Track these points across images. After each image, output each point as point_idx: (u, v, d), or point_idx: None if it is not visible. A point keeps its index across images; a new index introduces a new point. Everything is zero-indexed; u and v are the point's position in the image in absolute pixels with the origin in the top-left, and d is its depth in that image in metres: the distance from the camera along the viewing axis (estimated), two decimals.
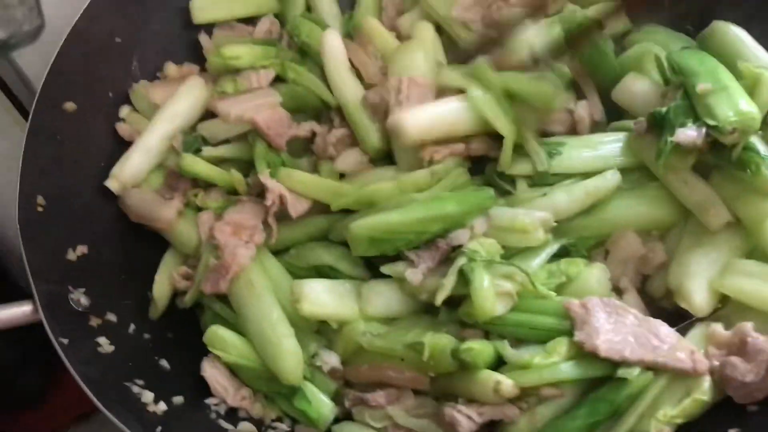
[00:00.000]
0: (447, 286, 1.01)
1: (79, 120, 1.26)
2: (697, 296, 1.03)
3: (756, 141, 1.03)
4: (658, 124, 1.07)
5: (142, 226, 1.26)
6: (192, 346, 1.13)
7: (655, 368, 0.96)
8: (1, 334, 1.07)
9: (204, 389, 1.08)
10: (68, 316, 1.06)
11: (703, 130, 1.03)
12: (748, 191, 1.04)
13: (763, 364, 0.91)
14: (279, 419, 1.09)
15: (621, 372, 0.96)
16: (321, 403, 1.07)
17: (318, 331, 1.12)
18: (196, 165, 1.21)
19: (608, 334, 0.98)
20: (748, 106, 1.00)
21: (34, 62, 1.33)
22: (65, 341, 1.01)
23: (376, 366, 1.05)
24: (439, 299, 1.01)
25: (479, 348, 0.98)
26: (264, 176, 1.15)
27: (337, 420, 1.09)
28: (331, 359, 1.08)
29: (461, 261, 1.02)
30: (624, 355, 0.96)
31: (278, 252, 1.20)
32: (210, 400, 1.08)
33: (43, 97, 1.21)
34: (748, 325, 0.96)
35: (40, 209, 1.14)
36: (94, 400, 0.96)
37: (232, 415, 1.08)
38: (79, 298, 1.10)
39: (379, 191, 1.12)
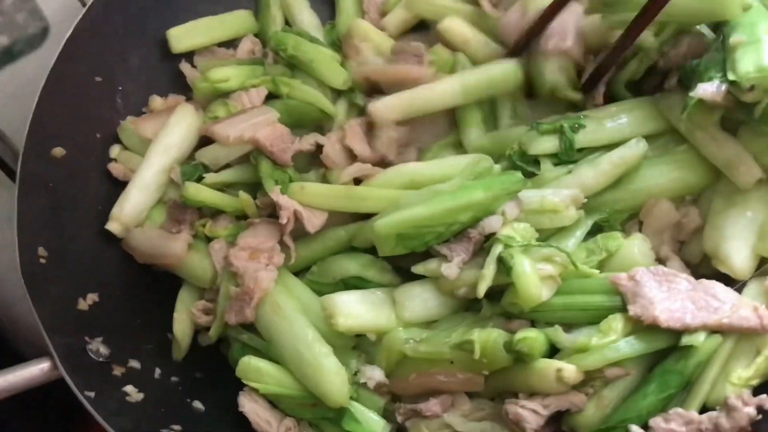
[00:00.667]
0: (487, 276, 0.96)
1: (69, 165, 1.20)
2: (737, 259, 1.00)
3: None
4: (688, 78, 1.04)
5: (151, 267, 1.19)
6: (224, 383, 1.06)
7: (720, 330, 0.91)
8: (15, 403, 0.99)
9: (246, 426, 1.01)
10: (90, 368, 0.99)
11: (723, 85, 0.99)
12: None
13: None
14: None
15: (686, 339, 0.91)
16: (372, 422, 1.00)
17: (356, 347, 1.06)
18: (201, 193, 1.15)
19: (664, 303, 0.93)
20: None
21: (11, 115, 1.27)
22: (91, 394, 0.94)
23: (425, 373, 0.99)
24: (481, 291, 0.96)
25: (534, 336, 0.93)
26: (275, 194, 1.10)
27: None
28: (374, 374, 1.02)
29: (498, 248, 0.97)
30: (685, 321, 0.91)
31: (299, 272, 1.14)
32: None
33: (30, 147, 1.16)
34: None
35: (42, 261, 1.08)
36: None
37: None
38: (98, 347, 1.04)
39: (400, 179, 1.07)
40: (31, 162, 1.14)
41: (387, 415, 1.03)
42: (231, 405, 1.03)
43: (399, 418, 1.00)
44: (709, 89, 1.00)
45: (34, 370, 0.96)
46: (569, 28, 1.16)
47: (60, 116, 1.20)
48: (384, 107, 1.19)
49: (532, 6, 1.16)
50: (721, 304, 0.93)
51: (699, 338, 0.91)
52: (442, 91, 1.19)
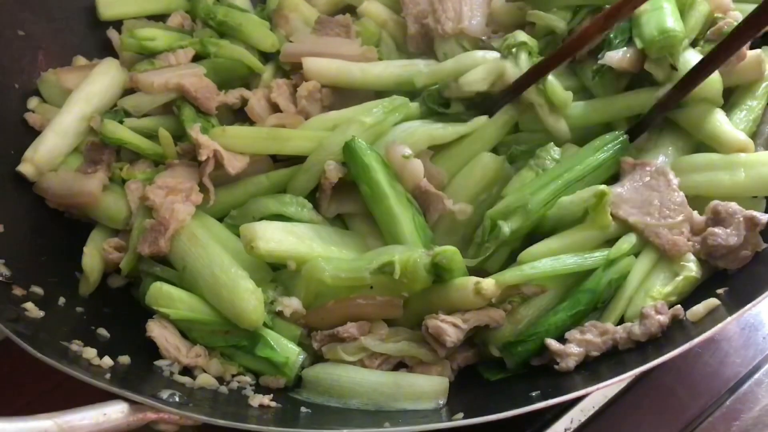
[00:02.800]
0: None
1: None
2: None
3: (690, 55, 1.07)
4: (598, 46, 1.11)
5: (62, 214, 1.15)
6: (133, 318, 1.01)
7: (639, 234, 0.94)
8: None
9: (152, 352, 0.96)
10: None
11: (629, 52, 1.07)
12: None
13: (741, 223, 0.92)
14: (240, 374, 0.97)
15: (594, 256, 0.93)
16: (286, 348, 0.97)
17: (274, 280, 1.03)
18: (119, 131, 1.14)
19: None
20: (673, 25, 1.05)
21: None
22: None
23: (344, 299, 0.97)
24: None
25: (452, 250, 0.93)
26: (195, 131, 1.09)
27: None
28: (292, 302, 0.99)
29: None
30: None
31: (219, 220, 1.11)
32: (161, 362, 0.95)
33: None
34: (716, 201, 0.96)
35: None
36: (30, 350, 0.82)
37: (188, 373, 0.95)
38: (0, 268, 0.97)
39: (323, 124, 1.09)
40: None
41: (303, 347, 0.99)
42: (138, 335, 0.97)
43: (315, 345, 0.97)
44: (615, 56, 1.08)
45: None
46: (475, 11, 1.23)
47: None
48: (318, 67, 1.21)
49: None
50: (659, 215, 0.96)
51: (603, 254, 0.93)
52: (377, 75, 1.22)
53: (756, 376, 1.10)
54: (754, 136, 1.07)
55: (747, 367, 1.10)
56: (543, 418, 1.07)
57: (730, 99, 1.11)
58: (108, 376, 0.85)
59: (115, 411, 0.75)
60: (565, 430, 1.07)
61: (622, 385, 1.08)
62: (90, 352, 0.90)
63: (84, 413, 0.72)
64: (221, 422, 0.81)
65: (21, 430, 0.68)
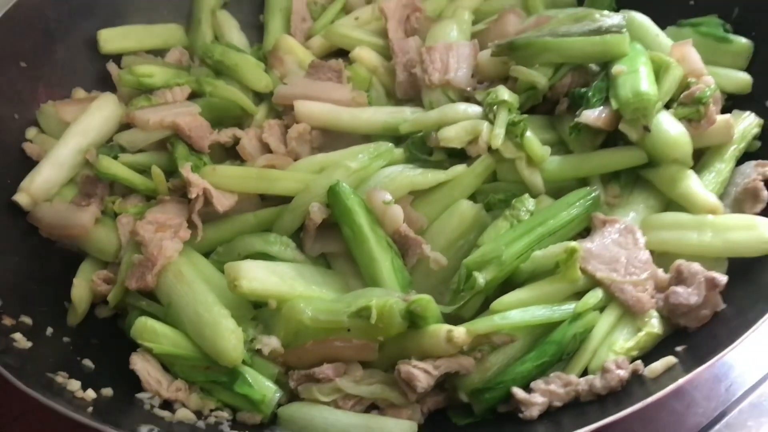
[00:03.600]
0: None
1: None
2: None
3: (663, 117, 1.13)
4: (577, 104, 1.16)
5: (53, 243, 1.19)
6: (118, 350, 1.04)
7: (605, 289, 0.98)
8: None
9: (134, 385, 0.99)
10: None
11: (605, 111, 1.12)
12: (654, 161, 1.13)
13: (702, 284, 0.96)
14: (218, 409, 1.00)
15: (561, 309, 0.98)
16: (263, 386, 1.01)
17: (255, 318, 1.07)
18: (113, 166, 1.18)
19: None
20: (647, 88, 1.10)
21: None
22: None
23: (321, 340, 1.01)
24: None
25: (427, 299, 0.97)
26: (186, 170, 1.13)
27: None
28: (271, 341, 1.03)
29: None
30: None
31: (206, 256, 1.15)
32: (142, 395, 0.99)
33: None
34: (680, 260, 1.01)
35: None
36: (16, 382, 0.85)
37: (168, 407, 0.98)
38: None
39: (311, 166, 1.14)
40: None
41: (280, 385, 1.03)
42: (122, 367, 1.01)
43: (292, 384, 1.01)
44: (591, 115, 1.13)
45: None
46: (461, 63, 1.28)
47: None
48: (309, 110, 1.26)
49: None
50: (625, 271, 1.00)
51: (571, 307, 0.98)
52: (365, 120, 1.27)
53: (717, 426, 1.14)
54: (721, 197, 1.12)
55: (709, 417, 1.14)
56: None
57: (700, 160, 1.16)
58: (90, 409, 0.89)
59: None
60: None
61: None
62: (74, 385, 0.94)
63: None
64: None
65: None
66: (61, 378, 0.94)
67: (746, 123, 1.18)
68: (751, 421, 1.12)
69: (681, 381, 0.85)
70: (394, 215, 1.10)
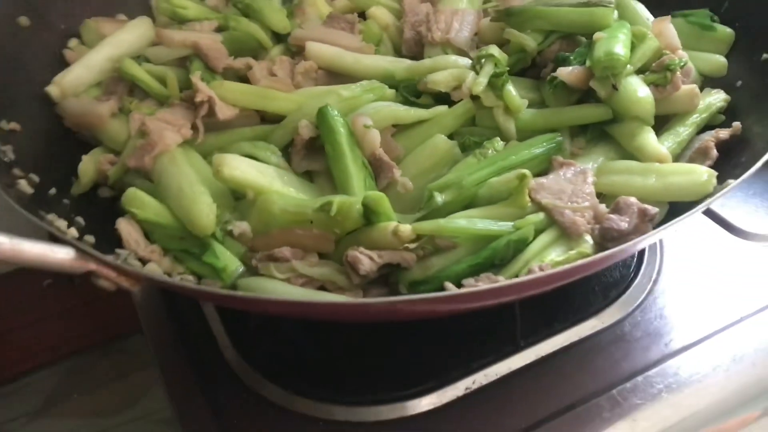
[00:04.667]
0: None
1: (31, 35, 1.37)
2: None
3: (632, 80, 1.22)
4: (560, 66, 1.26)
5: (74, 133, 1.33)
6: (110, 222, 1.17)
7: (548, 213, 1.07)
8: None
9: (116, 244, 1.12)
10: None
11: (577, 68, 1.22)
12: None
13: (635, 213, 1.05)
14: (184, 274, 1.12)
15: (502, 224, 1.06)
16: (228, 258, 1.11)
17: (235, 209, 1.19)
18: (134, 68, 1.32)
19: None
20: (619, 50, 1.20)
21: None
22: None
23: (286, 229, 1.12)
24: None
25: (380, 195, 1.07)
26: (195, 78, 1.27)
27: None
28: (242, 225, 1.14)
29: None
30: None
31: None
32: (120, 251, 1.11)
33: (2, 5, 1.33)
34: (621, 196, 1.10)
35: None
36: (8, 199, 0.99)
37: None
38: (6, 150, 1.16)
39: (308, 93, 1.26)
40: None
41: (244, 264, 1.13)
42: (109, 230, 1.13)
43: (254, 262, 1.11)
44: (565, 71, 1.23)
45: None
46: (464, 26, 1.40)
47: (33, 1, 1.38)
48: (318, 50, 1.39)
49: None
50: (570, 195, 1.09)
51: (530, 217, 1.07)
52: (366, 65, 1.40)
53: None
54: (678, 158, 1.20)
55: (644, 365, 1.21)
56: (449, 374, 1.19)
57: (664, 126, 1.24)
58: (68, 237, 1.01)
59: (63, 252, 0.90)
60: (466, 388, 1.18)
61: (525, 362, 1.20)
62: (61, 223, 1.06)
63: (35, 243, 0.87)
64: (156, 278, 0.96)
65: None
66: (51, 216, 1.07)
67: (714, 98, 1.26)
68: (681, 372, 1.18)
69: (584, 261, 0.92)
70: (371, 138, 1.21)
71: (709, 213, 1.44)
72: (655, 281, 1.34)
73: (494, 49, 1.28)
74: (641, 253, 1.38)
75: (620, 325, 1.28)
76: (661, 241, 1.41)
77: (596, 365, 1.22)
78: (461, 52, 1.38)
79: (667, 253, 1.39)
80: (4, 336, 1.78)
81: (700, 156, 1.17)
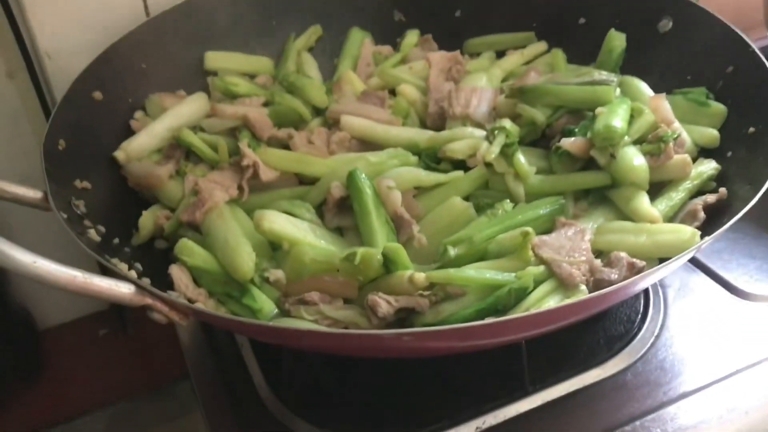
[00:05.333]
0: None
1: (103, 108, 1.58)
2: None
3: (629, 150, 1.37)
4: (566, 137, 1.42)
5: (136, 192, 1.53)
6: (164, 267, 1.34)
7: (548, 266, 1.20)
8: None
9: (168, 287, 1.28)
10: (68, 207, 1.30)
11: (579, 139, 1.38)
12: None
13: (624, 267, 1.18)
14: None
15: (507, 275, 1.20)
16: (264, 301, 1.26)
17: (272, 258, 1.35)
18: (190, 137, 1.52)
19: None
20: (617, 123, 1.35)
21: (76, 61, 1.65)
22: (64, 215, 1.24)
23: (315, 277, 1.27)
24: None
25: (398, 246, 1.23)
26: (243, 144, 1.45)
27: None
28: (278, 273, 1.30)
29: None
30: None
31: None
32: (171, 292, 1.27)
33: (78, 83, 1.54)
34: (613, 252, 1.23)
35: (60, 148, 1.42)
36: (77, 239, 1.17)
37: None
38: (79, 204, 1.34)
39: (341, 159, 1.43)
40: (76, 90, 1.52)
41: (278, 307, 1.29)
42: (163, 276, 1.30)
43: (286, 305, 1.26)
44: (568, 141, 1.38)
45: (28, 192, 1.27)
46: (482, 102, 1.57)
47: (109, 73, 1.60)
48: (352, 122, 1.57)
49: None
50: (569, 250, 1.22)
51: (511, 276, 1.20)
52: (394, 135, 1.57)
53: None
54: (671, 219, 1.33)
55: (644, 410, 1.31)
56: (462, 414, 1.31)
57: (660, 191, 1.37)
58: (130, 276, 1.18)
59: (125, 287, 1.07)
60: (477, 428, 1.30)
61: (533, 406, 1.32)
62: (123, 267, 1.24)
63: (103, 278, 1.04)
64: (203, 311, 1.11)
65: (52, 272, 1.00)
66: (114, 260, 1.24)
67: (706, 166, 1.39)
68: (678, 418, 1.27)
69: (569, 301, 1.04)
70: (394, 198, 1.36)
71: (712, 275, 1.55)
72: (657, 336, 1.44)
73: (506, 122, 1.44)
74: (645, 309, 1.49)
75: (623, 375, 1.37)
76: (665, 299, 1.52)
77: (599, 410, 1.31)
78: (479, 125, 1.54)
79: (670, 311, 1.49)
80: (60, 381, 1.95)
81: (689, 218, 1.29)
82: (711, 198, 1.31)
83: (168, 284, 1.30)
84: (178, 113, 1.61)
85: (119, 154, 1.53)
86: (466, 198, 1.42)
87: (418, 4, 1.92)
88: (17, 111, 1.74)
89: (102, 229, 1.35)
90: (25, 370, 1.92)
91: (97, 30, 1.70)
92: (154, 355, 1.97)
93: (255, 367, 1.44)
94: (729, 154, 1.42)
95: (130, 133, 1.60)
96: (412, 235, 1.34)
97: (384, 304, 1.19)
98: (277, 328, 1.12)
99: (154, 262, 1.38)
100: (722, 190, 1.32)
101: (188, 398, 1.85)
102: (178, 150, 1.54)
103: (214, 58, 1.79)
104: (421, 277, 1.19)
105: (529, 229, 1.24)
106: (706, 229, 1.27)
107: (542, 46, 1.83)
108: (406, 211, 1.37)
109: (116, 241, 1.37)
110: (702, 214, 1.28)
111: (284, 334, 1.13)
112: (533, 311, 1.10)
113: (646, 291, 1.52)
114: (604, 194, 1.38)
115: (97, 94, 1.57)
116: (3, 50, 1.68)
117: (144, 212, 1.44)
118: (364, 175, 1.37)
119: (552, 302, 1.18)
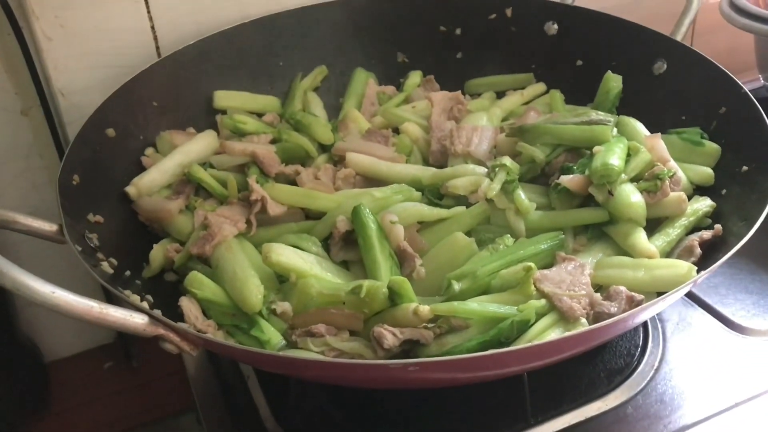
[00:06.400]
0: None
1: (114, 144, 1.62)
2: None
3: (626, 187, 1.41)
4: (566, 174, 1.46)
5: (146, 226, 1.56)
6: (174, 300, 1.37)
7: (549, 300, 1.23)
8: None
9: (179, 319, 1.31)
10: (82, 240, 1.34)
11: (577, 176, 1.42)
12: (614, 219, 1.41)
13: (623, 300, 1.21)
14: None
15: (509, 308, 1.23)
16: (272, 332, 1.29)
17: (278, 291, 1.38)
18: (200, 173, 1.56)
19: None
20: (614, 161, 1.40)
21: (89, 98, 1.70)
22: (79, 248, 1.27)
23: (321, 309, 1.30)
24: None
25: (403, 279, 1.26)
26: (252, 180, 1.50)
27: None
28: (284, 305, 1.33)
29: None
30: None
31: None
32: (181, 324, 1.29)
33: (92, 120, 1.59)
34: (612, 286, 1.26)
35: (74, 183, 1.46)
36: (90, 269, 1.20)
37: None
38: (93, 237, 1.38)
39: (346, 194, 1.48)
40: (90, 128, 1.57)
41: (285, 339, 1.32)
42: (173, 308, 1.33)
43: (293, 337, 1.29)
44: (566, 178, 1.43)
45: (44, 226, 1.30)
46: (483, 141, 1.62)
47: (122, 111, 1.65)
48: (357, 159, 1.62)
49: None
50: (569, 284, 1.26)
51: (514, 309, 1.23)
52: (398, 171, 1.62)
53: None
54: (667, 255, 1.37)
55: None
56: None
57: (657, 228, 1.41)
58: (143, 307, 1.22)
59: (139, 317, 1.10)
60: None
61: None
62: (135, 298, 1.27)
63: (118, 309, 1.07)
64: (213, 340, 1.14)
65: (71, 303, 1.03)
66: (126, 292, 1.28)
67: (701, 204, 1.43)
68: None
69: (570, 333, 1.08)
70: (397, 232, 1.40)
71: (709, 309, 1.59)
72: (657, 369, 1.46)
73: (507, 160, 1.49)
74: (644, 343, 1.52)
75: (623, 408, 1.40)
76: (663, 333, 1.55)
77: None
78: (480, 162, 1.59)
79: (669, 344, 1.52)
80: (65, 413, 1.96)
81: (686, 254, 1.33)
82: (707, 234, 1.35)
83: (177, 316, 1.33)
84: (188, 150, 1.65)
85: (131, 189, 1.57)
86: (468, 233, 1.45)
87: (420, 46, 1.99)
88: (29, 146, 1.79)
89: (114, 261, 1.39)
90: (32, 402, 1.94)
91: (109, 69, 1.75)
92: (159, 387, 1.99)
93: (261, 398, 1.46)
94: (723, 191, 1.46)
95: (141, 169, 1.64)
96: (413, 267, 1.37)
97: (390, 335, 1.22)
98: (286, 358, 1.15)
99: (164, 294, 1.41)
100: (717, 226, 1.36)
101: (192, 430, 1.86)
102: (188, 185, 1.58)
103: (223, 97, 1.84)
104: (425, 309, 1.23)
105: (532, 264, 1.27)
106: (702, 264, 1.30)
107: (541, 87, 1.89)
108: (410, 245, 1.41)
109: (128, 273, 1.40)
110: (698, 250, 1.32)
111: (292, 364, 1.16)
112: (535, 343, 1.13)
113: (645, 325, 1.55)
114: (602, 230, 1.42)
115: (110, 131, 1.62)
116: (19, 88, 1.73)
117: (155, 245, 1.48)
118: (368, 210, 1.41)
119: (554, 334, 1.21)
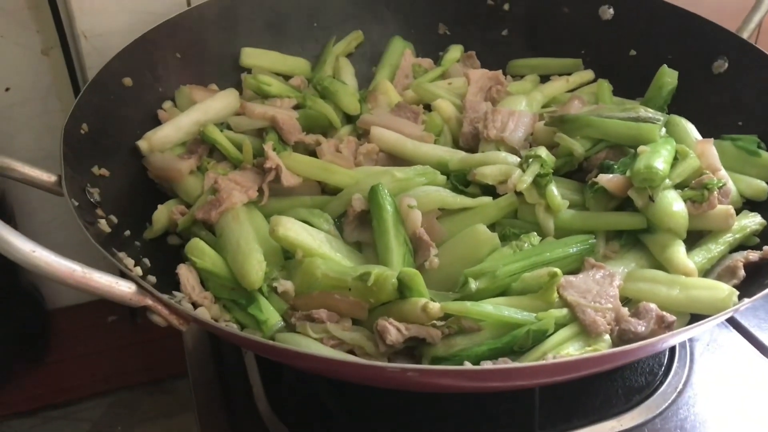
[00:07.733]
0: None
1: (131, 95, 1.54)
2: None
3: (669, 193, 1.29)
4: (604, 173, 1.35)
5: (155, 184, 1.48)
6: (173, 266, 1.29)
7: (571, 310, 1.13)
8: None
9: (175, 287, 1.24)
10: (81, 193, 1.26)
11: (616, 176, 1.31)
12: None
13: (653, 319, 1.10)
14: (230, 322, 1.22)
15: (526, 314, 1.13)
16: (270, 312, 1.21)
17: (283, 267, 1.29)
18: (215, 133, 1.47)
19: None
20: (659, 165, 1.28)
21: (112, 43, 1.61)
22: (76, 203, 1.20)
23: (325, 292, 1.21)
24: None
25: (414, 272, 1.16)
26: (268, 146, 1.41)
27: None
28: (287, 285, 1.24)
29: None
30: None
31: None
32: (176, 293, 1.22)
33: (109, 67, 1.51)
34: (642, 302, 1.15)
35: (82, 132, 1.38)
36: (86, 232, 1.13)
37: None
38: (94, 192, 1.30)
39: (366, 171, 1.38)
40: (105, 75, 1.49)
41: (284, 320, 1.23)
42: (171, 274, 1.26)
43: (293, 320, 1.21)
44: (605, 177, 1.31)
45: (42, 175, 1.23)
46: (519, 127, 1.51)
47: (142, 60, 1.57)
48: (381, 135, 1.52)
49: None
50: (595, 295, 1.15)
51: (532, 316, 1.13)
52: (424, 152, 1.52)
53: None
54: (707, 273, 1.25)
55: None
56: None
57: (698, 241, 1.30)
58: (132, 274, 1.14)
59: (126, 285, 1.02)
60: None
61: None
62: (129, 262, 1.19)
63: (103, 274, 0.99)
64: (203, 320, 1.07)
65: (51, 264, 0.95)
66: (122, 254, 1.20)
67: (750, 220, 1.31)
68: None
69: (589, 355, 0.97)
70: (414, 218, 1.30)
71: (746, 334, 1.47)
72: (680, 392, 1.36)
73: (542, 151, 1.37)
74: (670, 362, 1.41)
75: (639, 430, 1.30)
76: (691, 353, 1.44)
77: None
78: (513, 150, 1.48)
79: (696, 366, 1.41)
80: (62, 363, 1.92)
81: (727, 274, 1.21)
82: (753, 255, 1.23)
83: (174, 284, 1.25)
84: (206, 108, 1.56)
85: (142, 144, 1.49)
86: (492, 226, 1.35)
87: (464, 19, 1.86)
88: (48, 88, 1.72)
89: (114, 219, 1.31)
90: (31, 348, 1.90)
91: (136, 14, 1.67)
92: (159, 348, 1.93)
93: (256, 377, 1.39)
94: None
95: (156, 123, 1.56)
96: (427, 257, 1.28)
97: (394, 331, 1.13)
98: (277, 348, 1.06)
99: (163, 259, 1.34)
100: (766, 248, 1.23)
101: (187, 397, 1.80)
102: (202, 145, 1.49)
103: (251, 55, 1.75)
104: (435, 307, 1.13)
105: (558, 270, 1.17)
106: (744, 288, 1.19)
107: (589, 74, 1.76)
108: (428, 232, 1.31)
109: (127, 233, 1.33)
110: (742, 272, 1.21)
111: (284, 353, 1.08)
112: (548, 361, 1.03)
113: None
114: (637, 238, 1.31)
115: (127, 80, 1.54)
116: (41, 27, 1.66)
117: (159, 206, 1.40)
118: (386, 191, 1.31)
119: (571, 349, 1.11)
